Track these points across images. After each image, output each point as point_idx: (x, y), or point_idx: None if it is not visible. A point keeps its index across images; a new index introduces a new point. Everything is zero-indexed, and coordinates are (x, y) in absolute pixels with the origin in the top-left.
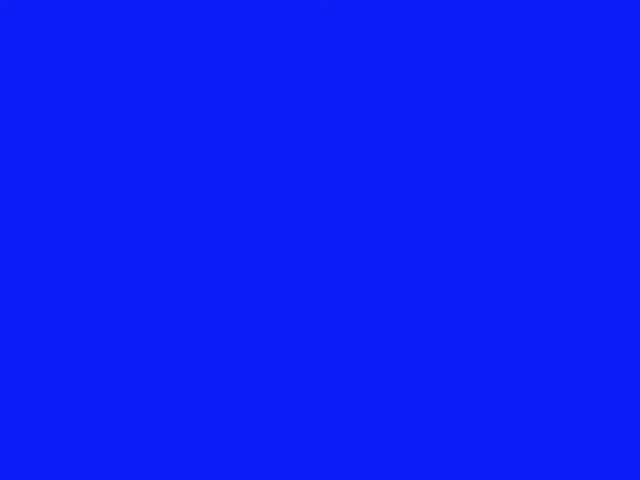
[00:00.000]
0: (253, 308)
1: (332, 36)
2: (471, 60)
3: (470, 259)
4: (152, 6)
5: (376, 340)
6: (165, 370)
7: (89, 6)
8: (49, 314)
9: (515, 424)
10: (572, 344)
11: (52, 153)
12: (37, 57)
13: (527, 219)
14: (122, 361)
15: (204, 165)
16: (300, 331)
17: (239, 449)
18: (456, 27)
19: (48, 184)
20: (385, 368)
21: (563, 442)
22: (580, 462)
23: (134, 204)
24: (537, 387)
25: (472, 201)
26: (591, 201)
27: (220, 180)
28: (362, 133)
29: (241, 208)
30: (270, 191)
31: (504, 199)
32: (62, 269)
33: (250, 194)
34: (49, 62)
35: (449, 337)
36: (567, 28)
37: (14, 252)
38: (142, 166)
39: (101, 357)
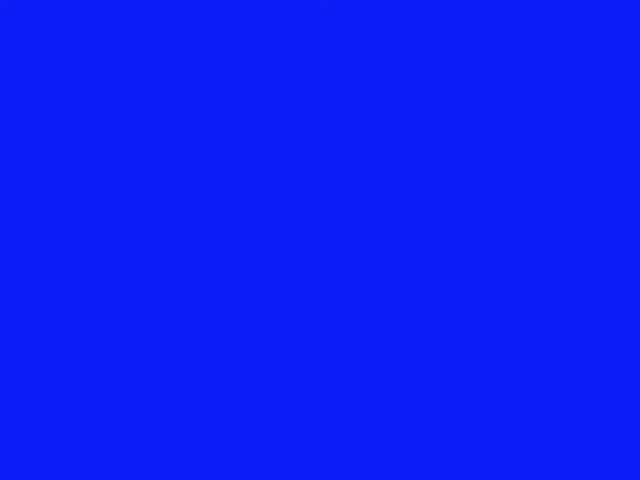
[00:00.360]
0: (253, 308)
1: (332, 36)
2: (471, 60)
3: (470, 259)
4: (152, 6)
5: (376, 340)
6: (165, 370)
7: (89, 6)
8: (49, 314)
9: (515, 424)
10: (572, 344)
11: (52, 153)
12: (37, 57)
13: (527, 219)
14: (122, 361)
15: (204, 165)
16: (300, 331)
17: (239, 449)
18: (456, 27)
19: (48, 184)
20: (385, 368)
21: (563, 442)
22: (580, 462)
23: (134, 204)
24: (537, 387)
25: (472, 201)
26: (591, 201)
27: (220, 180)
28: (362, 133)
29: (241, 208)
30: (270, 191)
31: (504, 199)
32: (62, 269)
33: (250, 194)
34: (49, 62)
35: (449, 337)
36: (567, 28)
37: (14, 252)
38: (142, 166)
39: (101, 357)
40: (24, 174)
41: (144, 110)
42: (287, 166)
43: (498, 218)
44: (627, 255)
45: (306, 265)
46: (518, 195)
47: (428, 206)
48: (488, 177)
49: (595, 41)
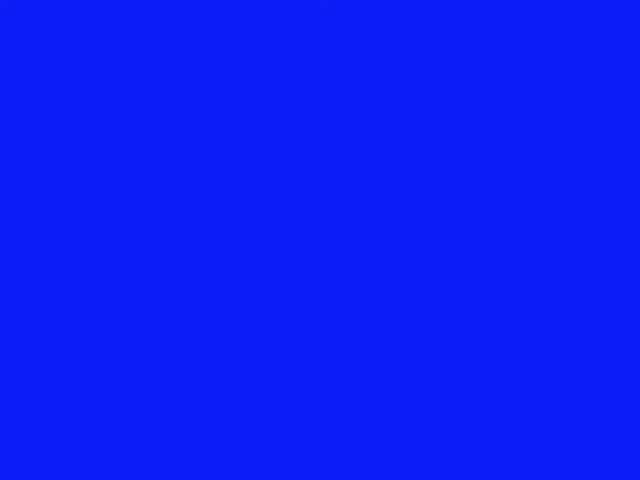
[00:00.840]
0: (253, 308)
1: (332, 36)
2: (471, 60)
3: (470, 259)
4: (152, 6)
5: (376, 340)
6: (165, 370)
7: (89, 6)
8: (49, 314)
9: (515, 424)
10: (572, 344)
11: (52, 153)
12: (37, 57)
13: (527, 219)
14: (122, 361)
15: (204, 165)
16: (300, 331)
17: (239, 449)
18: (456, 27)
19: (48, 184)
20: (385, 368)
21: (563, 442)
22: (580, 462)
23: (134, 204)
24: (537, 387)
25: (472, 201)
26: (591, 201)
27: (220, 180)
28: (362, 133)
29: (241, 208)
30: (270, 191)
31: (504, 199)
32: (62, 269)
33: (250, 194)
34: (49, 62)
35: (449, 337)
36: (567, 28)
37: (14, 252)
38: (142, 166)
39: (101, 357)
40: (24, 174)
41: (144, 110)
42: (287, 166)
43: (498, 218)
44: (627, 255)
45: (306, 265)
46: (518, 195)
47: (428, 206)
48: (488, 177)
49: (595, 41)
